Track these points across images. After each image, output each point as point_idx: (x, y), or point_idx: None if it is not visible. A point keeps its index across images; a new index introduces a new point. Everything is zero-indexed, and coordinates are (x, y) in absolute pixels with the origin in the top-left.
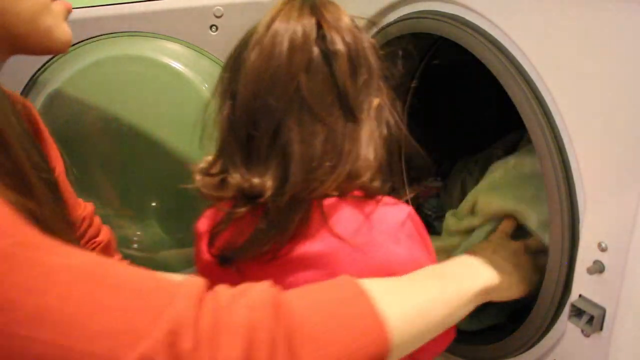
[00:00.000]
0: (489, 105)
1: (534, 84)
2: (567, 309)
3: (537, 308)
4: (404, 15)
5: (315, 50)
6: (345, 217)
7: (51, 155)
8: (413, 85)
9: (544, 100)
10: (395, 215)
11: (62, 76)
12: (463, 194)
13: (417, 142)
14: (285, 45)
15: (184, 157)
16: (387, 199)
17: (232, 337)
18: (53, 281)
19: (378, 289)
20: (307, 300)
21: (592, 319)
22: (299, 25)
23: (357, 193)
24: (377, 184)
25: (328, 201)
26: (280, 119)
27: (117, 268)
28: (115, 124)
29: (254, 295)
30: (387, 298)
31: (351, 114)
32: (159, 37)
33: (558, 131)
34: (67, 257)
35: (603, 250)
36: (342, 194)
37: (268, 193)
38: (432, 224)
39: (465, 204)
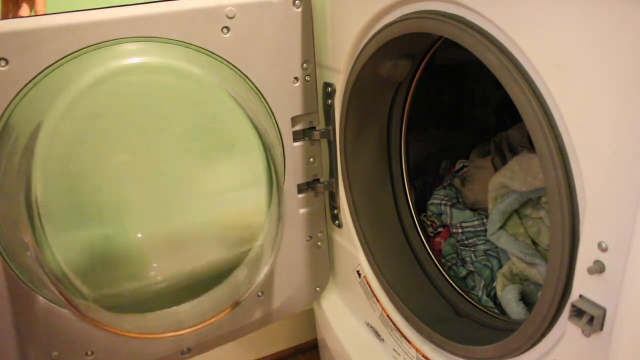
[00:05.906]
0: (489, 105)
1: (534, 84)
2: (567, 309)
3: (537, 308)
4: (404, 15)
5: None
6: None
7: None
8: (413, 85)
9: (544, 100)
10: None
11: (71, 89)
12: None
13: (417, 141)
14: None
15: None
16: None
17: None
18: None
19: None
20: None
21: (592, 319)
22: None
23: None
24: None
25: None
26: None
27: None
28: (135, 140)
29: None
30: None
31: None
32: (167, 41)
33: (558, 131)
34: None
35: (603, 250)
36: None
37: None
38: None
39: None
